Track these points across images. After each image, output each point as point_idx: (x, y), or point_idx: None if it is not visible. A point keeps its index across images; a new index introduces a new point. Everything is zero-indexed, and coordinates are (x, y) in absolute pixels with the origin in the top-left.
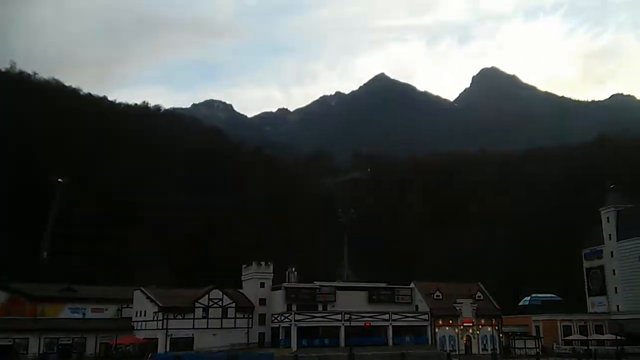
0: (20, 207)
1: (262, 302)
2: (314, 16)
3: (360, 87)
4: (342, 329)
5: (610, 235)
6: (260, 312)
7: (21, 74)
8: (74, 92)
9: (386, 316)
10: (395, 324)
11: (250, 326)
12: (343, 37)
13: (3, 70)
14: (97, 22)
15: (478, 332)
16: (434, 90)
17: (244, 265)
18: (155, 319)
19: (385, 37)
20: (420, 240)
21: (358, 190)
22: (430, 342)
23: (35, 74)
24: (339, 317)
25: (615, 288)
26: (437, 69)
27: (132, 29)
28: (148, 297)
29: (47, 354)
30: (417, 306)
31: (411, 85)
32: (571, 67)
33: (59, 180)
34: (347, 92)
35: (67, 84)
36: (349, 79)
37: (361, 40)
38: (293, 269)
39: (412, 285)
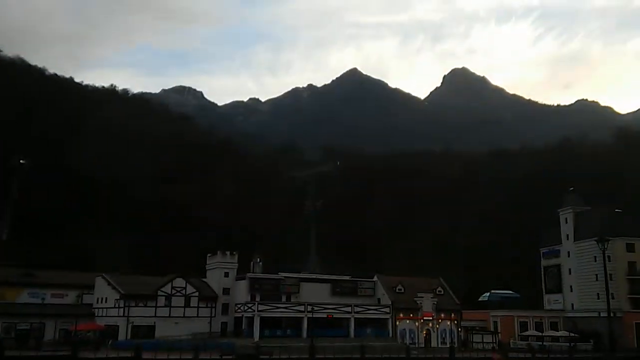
0: None
1: (226, 291)
2: (289, 7)
3: (333, 81)
4: (305, 320)
5: (567, 235)
6: (223, 301)
7: None
8: (39, 72)
9: (349, 308)
10: (358, 317)
11: (213, 315)
12: (318, 30)
13: None
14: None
15: (437, 325)
16: (406, 88)
17: (208, 255)
18: (117, 306)
19: (359, 32)
20: (385, 235)
21: (326, 183)
22: (391, 335)
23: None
24: (302, 308)
25: (571, 286)
26: (410, 67)
27: (103, 8)
28: (110, 284)
29: (4, 338)
30: (379, 299)
31: (383, 82)
32: (539, 71)
33: (21, 161)
34: (319, 85)
35: (32, 62)
36: (321, 72)
37: (336, 34)
38: (258, 259)
39: (375, 278)
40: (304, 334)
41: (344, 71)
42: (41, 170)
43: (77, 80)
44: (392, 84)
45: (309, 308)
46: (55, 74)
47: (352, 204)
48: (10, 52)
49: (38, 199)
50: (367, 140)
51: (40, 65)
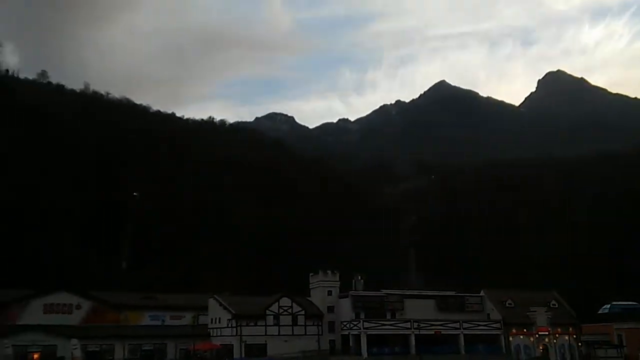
0: (99, 221)
1: (330, 309)
2: (371, 29)
3: (421, 95)
4: (412, 337)
5: None
6: (329, 319)
7: (95, 94)
8: (144, 110)
9: (457, 324)
10: (467, 333)
11: (320, 333)
12: (401, 48)
13: (78, 90)
14: (164, 43)
15: (555, 340)
16: (498, 96)
17: (310, 274)
18: (229, 325)
19: (444, 45)
20: (486, 247)
21: (421, 198)
22: (504, 352)
23: (107, 93)
24: (408, 325)
25: None
26: (500, 74)
27: (197, 48)
28: (221, 305)
29: (131, 359)
30: (488, 314)
31: (473, 92)
32: None
33: (134, 194)
34: (407, 100)
35: (137, 102)
36: (408, 88)
37: (419, 50)
38: (359, 277)
39: (482, 293)
40: (412, 351)
41: (431, 84)
42: (151, 200)
43: (178, 115)
44: (483, 92)
45: (415, 325)
46: (159, 111)
47: (450, 216)
48: (117, 93)
49: (150, 228)
50: (461, 151)
51: (144, 103)
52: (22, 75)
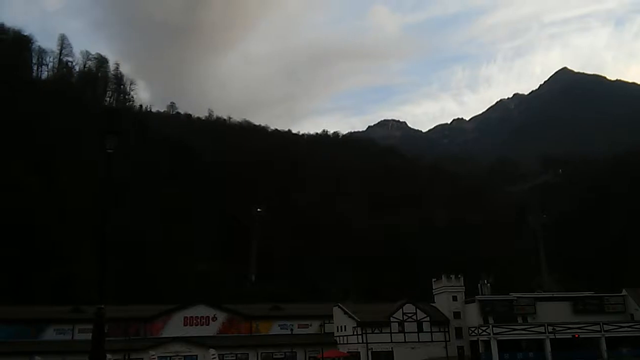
0: (228, 237)
1: (457, 315)
2: (482, 23)
3: (541, 86)
4: (547, 342)
5: None
6: (456, 325)
7: (218, 119)
8: (263, 130)
9: (597, 327)
10: (609, 335)
11: (447, 340)
12: (515, 39)
13: (203, 118)
14: (277, 64)
15: None
16: (629, 78)
17: (433, 280)
18: (355, 333)
19: (563, 30)
20: (626, 244)
21: (549, 195)
22: None
23: (230, 118)
24: (542, 329)
25: None
26: (630, 55)
27: (307, 65)
28: (346, 313)
29: None
30: (632, 315)
31: (600, 76)
32: None
33: (258, 210)
34: (526, 92)
35: (256, 123)
36: (527, 80)
37: (535, 38)
38: (486, 280)
39: (624, 292)
40: (548, 357)
41: (552, 73)
42: (274, 214)
43: (294, 131)
44: (611, 76)
45: (550, 328)
46: (277, 129)
47: (582, 212)
48: (238, 117)
49: (274, 242)
50: (590, 142)
51: (263, 124)
52: (154, 109)
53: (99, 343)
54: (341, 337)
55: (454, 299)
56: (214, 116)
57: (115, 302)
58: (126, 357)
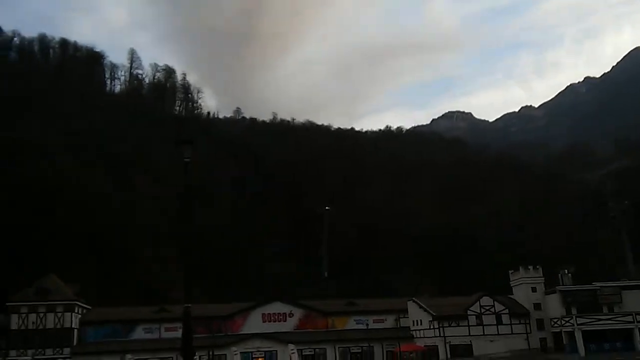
0: (298, 236)
1: (537, 306)
2: (546, 6)
3: (614, 67)
4: (637, 332)
5: None
6: (536, 317)
7: (282, 121)
8: (326, 129)
9: None
10: None
11: (528, 332)
12: (584, 20)
13: (268, 121)
14: (335, 63)
15: None
16: None
17: (510, 271)
18: (432, 327)
19: (631, 9)
20: None
21: (629, 180)
22: None
23: (293, 119)
24: (629, 318)
25: None
26: None
27: (366, 63)
28: (421, 307)
29: None
30: None
31: None
32: None
33: (327, 208)
34: (597, 75)
35: (319, 123)
36: (597, 62)
37: (605, 19)
38: (566, 270)
39: None
40: (638, 346)
41: (625, 53)
42: (343, 212)
43: (357, 129)
44: None
45: (639, 318)
46: (339, 128)
47: None
48: (301, 118)
49: (342, 238)
50: None
51: (326, 123)
52: (221, 115)
53: (188, 340)
54: (417, 331)
55: (533, 290)
56: (278, 118)
57: (195, 301)
58: (210, 353)
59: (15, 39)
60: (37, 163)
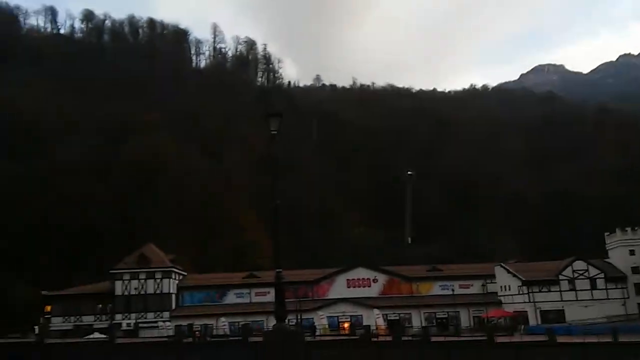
0: (381, 201)
1: (635, 270)
2: None
3: None
4: None
5: None
6: (635, 281)
7: (362, 86)
8: (407, 91)
9: None
10: None
11: (626, 297)
12: None
13: (348, 87)
14: (415, 22)
15: None
16: None
17: (606, 234)
18: (521, 292)
19: None
20: None
21: None
22: None
23: (373, 84)
24: None
25: None
26: None
27: (448, 20)
28: (510, 272)
29: (428, 327)
30: None
31: None
32: None
33: (409, 173)
34: None
35: (399, 85)
36: None
37: None
38: None
39: None
40: None
41: None
42: (425, 176)
43: (439, 89)
44: None
45: None
46: (421, 89)
47: None
48: (382, 82)
49: (425, 204)
50: None
51: (407, 85)
52: (301, 84)
53: (281, 303)
54: (505, 297)
55: (632, 253)
56: (358, 84)
57: (283, 267)
58: (298, 317)
59: (107, 21)
60: (138, 140)
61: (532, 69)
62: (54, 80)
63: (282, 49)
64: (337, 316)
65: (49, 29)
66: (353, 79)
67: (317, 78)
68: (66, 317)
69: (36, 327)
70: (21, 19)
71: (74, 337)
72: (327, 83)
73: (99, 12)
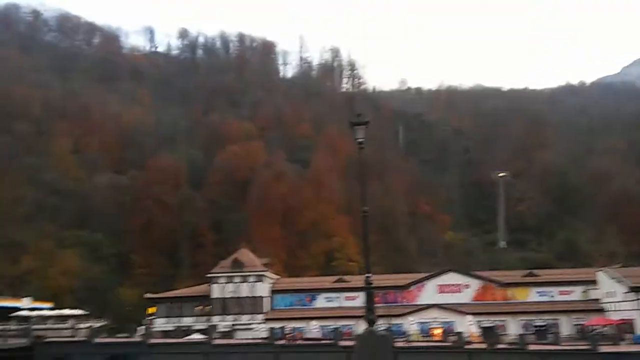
0: (473, 205)
1: None
2: None
3: None
4: None
5: None
6: None
7: (449, 87)
8: (496, 91)
9: None
10: None
11: None
12: None
13: (434, 88)
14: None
15: None
16: None
17: None
18: (627, 299)
19: None
20: None
21: None
22: None
23: (460, 85)
24: None
25: None
26: None
27: (536, 16)
28: (614, 278)
29: (524, 334)
30: None
31: None
32: None
33: (501, 175)
34: None
35: (487, 85)
36: None
37: None
38: None
39: None
40: None
41: None
42: (519, 178)
43: (531, 88)
44: None
45: None
46: (512, 88)
47: None
48: (470, 82)
49: (521, 206)
50: None
51: (495, 85)
52: (386, 88)
53: (371, 307)
54: (610, 304)
55: None
56: (444, 85)
57: (374, 272)
58: (388, 322)
59: (200, 37)
60: (231, 149)
61: (634, 61)
62: (153, 95)
63: (366, 54)
64: (428, 322)
65: (147, 48)
66: (439, 81)
67: (402, 81)
68: (168, 318)
69: (141, 327)
70: (122, 39)
71: (175, 337)
72: (412, 86)
73: (192, 29)
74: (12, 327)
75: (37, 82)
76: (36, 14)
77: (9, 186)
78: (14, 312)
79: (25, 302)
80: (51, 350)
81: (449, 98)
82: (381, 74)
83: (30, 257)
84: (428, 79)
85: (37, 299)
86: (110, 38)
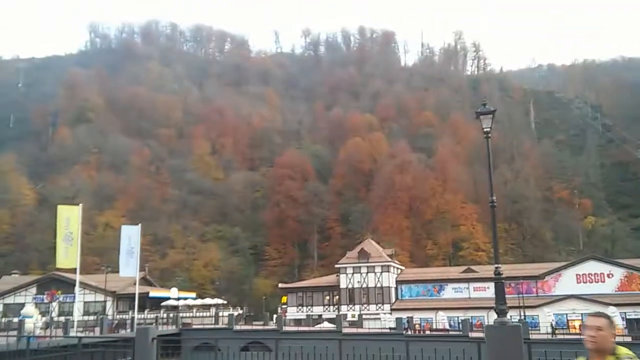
0: (616, 187)
1: None
2: None
3: None
4: None
5: None
6: None
7: (585, 61)
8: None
9: None
10: None
11: None
12: None
13: (568, 64)
14: None
15: None
16: None
17: None
18: None
19: None
20: None
21: None
22: None
23: (599, 58)
24: None
25: None
26: None
27: None
28: None
29: None
30: None
31: None
32: None
33: None
34: None
35: (631, 56)
36: None
37: None
38: None
39: None
40: None
41: None
42: None
43: None
44: None
45: None
46: None
47: None
48: (610, 55)
49: None
50: None
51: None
52: (513, 68)
53: (501, 298)
54: None
55: None
56: (580, 59)
57: (504, 262)
58: (521, 314)
59: (322, 35)
60: (355, 141)
61: None
62: (279, 94)
63: (491, 34)
64: (566, 313)
65: (273, 49)
66: (574, 56)
67: (533, 59)
68: (299, 307)
69: (275, 315)
70: (251, 44)
71: (306, 326)
72: (543, 63)
73: (314, 29)
74: (164, 316)
75: (177, 90)
76: (173, 26)
77: (157, 186)
78: (164, 301)
79: (173, 293)
80: (196, 336)
81: (586, 73)
82: (508, 53)
83: (176, 251)
84: (560, 55)
85: (181, 289)
86: (240, 43)
